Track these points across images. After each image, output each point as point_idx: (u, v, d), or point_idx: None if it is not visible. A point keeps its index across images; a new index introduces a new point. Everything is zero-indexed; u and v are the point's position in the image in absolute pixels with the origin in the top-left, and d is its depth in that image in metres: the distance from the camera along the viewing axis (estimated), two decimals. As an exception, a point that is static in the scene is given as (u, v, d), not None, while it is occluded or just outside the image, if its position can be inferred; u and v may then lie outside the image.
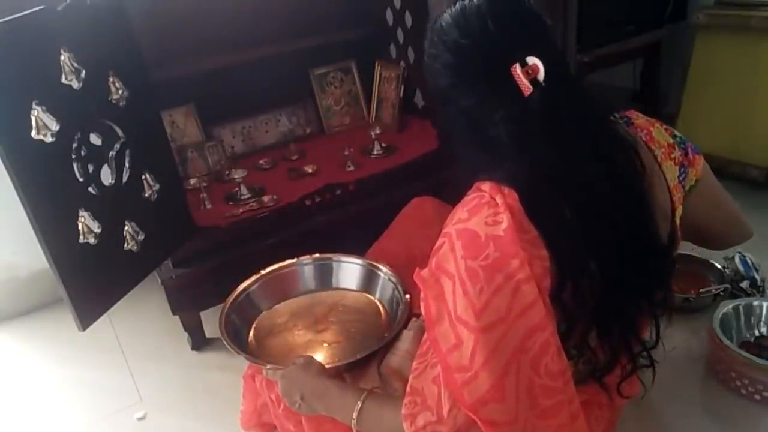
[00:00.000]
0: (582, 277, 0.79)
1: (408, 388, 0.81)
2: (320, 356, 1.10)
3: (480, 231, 0.75)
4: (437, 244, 0.80)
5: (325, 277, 1.30)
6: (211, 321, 1.69)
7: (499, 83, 0.77)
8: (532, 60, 0.76)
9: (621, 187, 0.82)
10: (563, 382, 0.78)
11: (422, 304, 0.79)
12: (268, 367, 1.02)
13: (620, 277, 0.83)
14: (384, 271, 1.23)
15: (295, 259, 1.30)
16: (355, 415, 0.88)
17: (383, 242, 1.38)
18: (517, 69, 0.76)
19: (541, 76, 0.76)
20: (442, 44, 0.81)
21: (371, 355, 1.03)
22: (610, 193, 0.81)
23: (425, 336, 0.82)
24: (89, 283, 1.17)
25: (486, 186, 0.79)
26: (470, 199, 0.80)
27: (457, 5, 0.82)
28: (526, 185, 0.78)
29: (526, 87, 0.76)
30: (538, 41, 0.79)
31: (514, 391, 0.74)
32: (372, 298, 1.24)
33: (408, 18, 2.07)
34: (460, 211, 0.80)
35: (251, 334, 1.19)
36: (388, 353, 1.04)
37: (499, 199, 0.77)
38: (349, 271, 1.29)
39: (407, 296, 1.14)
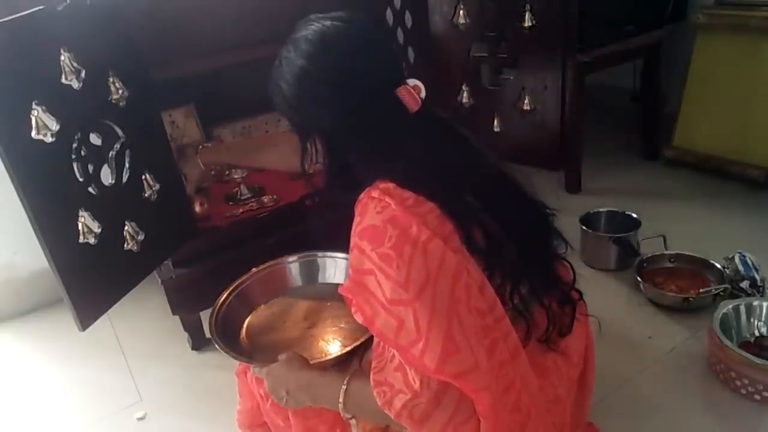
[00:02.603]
0: (472, 219, 0.86)
1: (372, 383, 0.85)
2: (311, 352, 1.10)
3: (375, 221, 0.83)
4: (350, 258, 0.87)
5: (312, 273, 1.31)
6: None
7: (383, 106, 0.87)
8: (413, 81, 0.90)
9: (473, 151, 0.94)
10: (494, 319, 0.83)
11: (356, 314, 0.83)
12: (253, 365, 1.04)
13: (510, 219, 0.91)
14: None
15: (281, 258, 1.31)
16: (341, 398, 0.91)
17: None
18: (403, 90, 0.87)
19: (423, 94, 0.90)
20: (319, 81, 0.89)
21: (355, 351, 1.04)
22: (471, 158, 0.93)
23: (376, 339, 0.86)
24: (89, 283, 1.17)
25: (361, 195, 0.87)
26: (356, 209, 0.88)
27: (319, 45, 0.89)
28: (405, 170, 0.86)
29: (415, 103, 0.87)
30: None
31: (464, 340, 0.79)
32: None
33: (408, 18, 2.07)
34: (355, 220, 0.87)
35: (242, 332, 1.19)
36: (369, 349, 1.05)
37: (374, 191, 0.85)
38: (336, 266, 1.30)
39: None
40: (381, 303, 0.80)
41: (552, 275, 0.97)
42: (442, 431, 0.81)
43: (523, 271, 0.90)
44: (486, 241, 0.86)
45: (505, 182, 0.95)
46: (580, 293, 1.02)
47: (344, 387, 0.91)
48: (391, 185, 0.85)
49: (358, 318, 0.83)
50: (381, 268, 0.80)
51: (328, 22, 0.90)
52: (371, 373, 0.86)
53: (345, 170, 0.93)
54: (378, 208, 0.83)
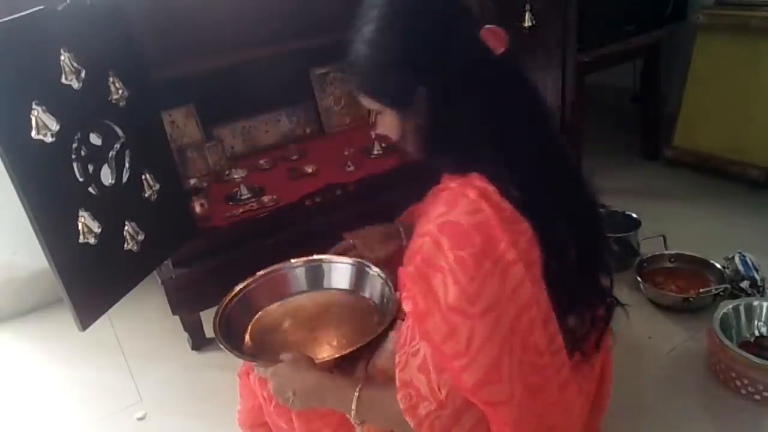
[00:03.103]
0: (564, 246, 0.84)
1: (398, 383, 0.83)
2: (315, 354, 1.10)
3: (463, 221, 0.78)
4: (417, 243, 0.82)
5: (317, 278, 1.31)
6: (211, 321, 1.69)
7: (472, 48, 0.83)
8: (491, 26, 0.84)
9: (566, 155, 0.94)
10: (550, 354, 0.81)
11: (406, 301, 0.81)
12: (258, 364, 1.03)
13: (585, 245, 0.89)
14: (374, 270, 1.24)
15: (286, 262, 1.31)
16: (353, 406, 0.89)
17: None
18: (485, 32, 0.83)
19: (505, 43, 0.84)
20: (397, 47, 0.85)
21: (359, 353, 1.04)
22: (566, 164, 0.92)
23: (402, 327, 0.84)
24: (89, 283, 1.17)
25: (452, 182, 0.83)
26: (442, 196, 0.83)
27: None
28: (504, 164, 0.82)
29: (501, 44, 0.83)
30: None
31: (507, 371, 0.77)
32: (364, 296, 1.25)
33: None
34: (437, 208, 0.82)
35: (247, 334, 1.19)
36: (375, 354, 1.05)
37: (470, 190, 0.80)
38: (340, 271, 1.29)
39: (398, 293, 1.15)
40: (439, 304, 0.77)
41: (602, 288, 0.95)
42: None
43: (583, 289, 0.89)
44: (560, 271, 0.84)
45: (577, 177, 0.95)
46: (620, 303, 1.00)
47: (356, 394, 0.89)
48: (490, 188, 0.80)
49: (407, 306, 0.81)
50: (453, 271, 0.76)
51: None
52: (396, 371, 0.83)
53: (437, 133, 0.87)
54: (470, 208, 0.79)
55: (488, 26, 0.84)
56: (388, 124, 0.92)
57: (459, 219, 0.78)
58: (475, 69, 0.84)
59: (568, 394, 0.85)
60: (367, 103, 0.92)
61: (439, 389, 0.78)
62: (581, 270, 0.88)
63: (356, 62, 0.89)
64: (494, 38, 0.84)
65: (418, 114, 0.86)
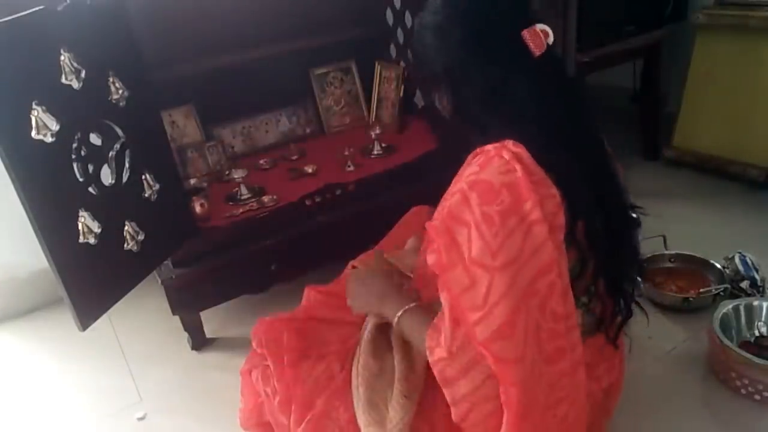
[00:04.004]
0: (591, 214, 0.86)
1: (435, 319, 0.86)
2: None
3: (494, 180, 0.80)
4: (448, 197, 0.85)
5: None
6: (211, 321, 1.70)
7: (513, 48, 0.86)
8: (540, 26, 0.86)
9: (598, 138, 1.00)
10: (566, 327, 0.82)
11: (431, 254, 0.82)
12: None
13: (616, 223, 0.94)
14: None
15: None
16: (399, 313, 0.95)
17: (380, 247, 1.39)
18: (529, 33, 0.85)
19: (551, 39, 0.87)
20: (453, 18, 0.88)
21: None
22: (597, 143, 0.98)
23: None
24: (89, 283, 1.17)
25: (488, 146, 0.85)
26: (477, 157, 0.85)
27: None
28: (538, 136, 0.84)
29: (540, 47, 0.85)
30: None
31: (523, 331, 0.78)
32: None
33: (408, 18, 2.07)
34: (470, 168, 0.84)
35: None
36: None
37: (506, 152, 0.82)
38: None
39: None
40: (462, 257, 0.79)
41: (629, 277, 0.99)
42: (462, 399, 0.82)
43: (611, 267, 0.92)
44: (586, 236, 0.86)
45: (610, 166, 0.98)
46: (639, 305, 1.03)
47: (406, 307, 0.94)
48: (524, 153, 0.82)
49: (430, 259, 0.82)
50: (479, 225, 0.78)
51: None
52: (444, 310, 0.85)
53: (470, 110, 0.91)
54: (503, 168, 0.81)
55: (531, 28, 0.86)
56: (444, 95, 0.95)
57: (490, 177, 0.80)
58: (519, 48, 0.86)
59: (579, 376, 0.86)
60: (426, 77, 0.95)
61: (453, 340, 0.81)
62: (609, 248, 0.91)
63: (416, 41, 0.94)
64: (534, 41, 0.86)
65: (471, 80, 0.89)
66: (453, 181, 0.87)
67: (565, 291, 0.82)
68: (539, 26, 0.86)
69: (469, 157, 0.88)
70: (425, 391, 0.96)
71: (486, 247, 0.77)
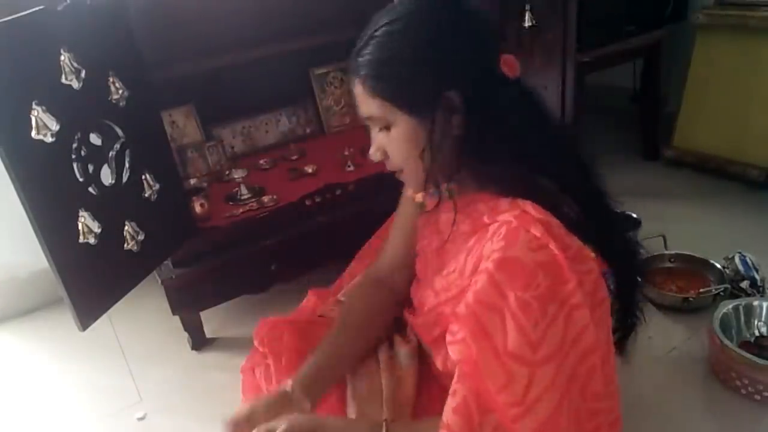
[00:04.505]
0: (622, 257, 0.84)
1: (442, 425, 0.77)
2: None
3: (525, 258, 0.71)
4: (462, 275, 0.78)
5: None
6: (211, 321, 1.70)
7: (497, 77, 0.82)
8: (507, 55, 0.83)
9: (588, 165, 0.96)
10: (607, 396, 0.78)
11: (454, 345, 0.75)
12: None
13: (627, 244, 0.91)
14: None
15: None
16: None
17: (375, 240, 1.39)
18: (504, 58, 0.82)
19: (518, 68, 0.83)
20: (445, 35, 0.81)
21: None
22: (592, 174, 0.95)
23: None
24: (89, 283, 1.17)
25: (504, 215, 0.77)
26: (496, 227, 0.77)
27: (427, 8, 0.82)
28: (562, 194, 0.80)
29: (514, 71, 0.82)
30: None
31: (565, 421, 0.73)
32: None
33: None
34: (492, 243, 0.75)
35: None
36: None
37: (533, 224, 0.73)
38: None
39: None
40: (496, 350, 0.71)
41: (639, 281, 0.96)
42: None
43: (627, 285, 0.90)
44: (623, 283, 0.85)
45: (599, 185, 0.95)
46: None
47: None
48: (552, 220, 0.74)
49: (453, 351, 0.74)
50: (515, 314, 0.70)
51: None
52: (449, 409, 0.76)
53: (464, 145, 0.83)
54: (533, 244, 0.72)
55: (506, 56, 0.82)
56: (402, 135, 0.84)
57: (521, 255, 0.71)
58: (499, 83, 0.82)
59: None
60: (380, 110, 0.84)
61: (481, 428, 0.73)
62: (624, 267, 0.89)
63: (378, 60, 0.82)
64: (509, 65, 0.82)
65: (450, 122, 0.81)
66: (459, 255, 0.80)
67: (604, 361, 0.77)
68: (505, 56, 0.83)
69: (474, 224, 0.81)
70: (417, 409, 0.93)
71: (524, 339, 0.70)
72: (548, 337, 0.71)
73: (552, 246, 0.72)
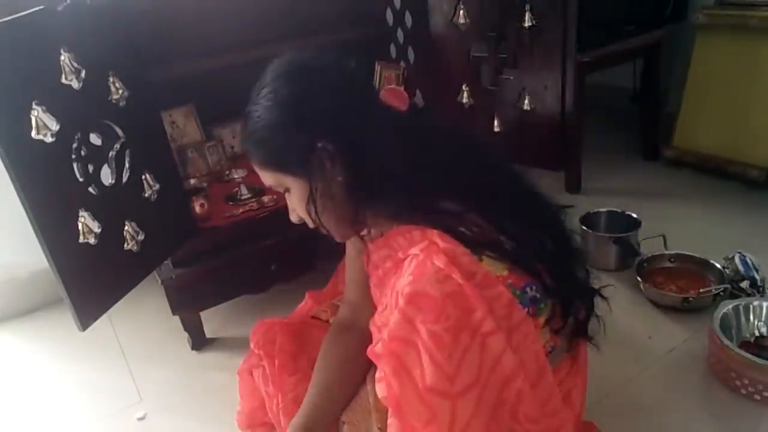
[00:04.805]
0: (545, 257, 0.84)
1: None
2: None
3: (432, 291, 0.71)
4: (382, 319, 0.77)
5: None
6: (211, 321, 1.70)
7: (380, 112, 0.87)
8: (390, 87, 0.89)
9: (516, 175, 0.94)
10: (547, 415, 0.78)
11: (379, 383, 0.75)
12: None
13: (558, 237, 0.90)
14: None
15: None
16: None
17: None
18: (385, 93, 0.87)
19: (414, 99, 0.91)
20: (314, 98, 0.86)
21: None
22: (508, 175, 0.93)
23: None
24: (89, 283, 1.17)
25: (412, 248, 0.78)
26: (408, 262, 0.77)
27: (297, 72, 0.90)
28: (456, 200, 0.82)
29: (403, 102, 0.86)
30: None
31: None
32: None
33: (408, 18, 2.07)
34: (402, 279, 0.76)
35: None
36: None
37: (437, 256, 0.74)
38: None
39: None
40: (416, 387, 0.71)
41: (584, 289, 0.95)
42: None
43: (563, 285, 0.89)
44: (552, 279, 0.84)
45: (533, 191, 0.93)
46: (603, 296, 1.00)
47: None
48: (457, 248, 0.75)
49: (380, 390, 0.74)
50: (429, 349, 0.70)
51: (286, 62, 0.92)
52: None
53: (359, 197, 0.86)
54: (440, 275, 0.72)
55: (388, 87, 0.86)
56: (299, 196, 0.89)
57: (429, 289, 0.71)
58: (373, 118, 0.84)
59: None
60: (274, 179, 0.90)
61: None
62: (561, 280, 0.87)
63: (254, 134, 0.89)
64: (395, 98, 0.85)
65: (332, 171, 0.85)
66: (382, 288, 0.81)
67: (534, 383, 0.76)
68: (388, 87, 0.87)
69: (389, 260, 0.82)
70: None
71: (441, 373, 0.69)
72: (464, 367, 0.71)
73: (455, 275, 0.72)
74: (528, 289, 0.83)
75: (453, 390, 0.70)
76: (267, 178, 0.92)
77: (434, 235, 0.78)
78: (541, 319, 0.85)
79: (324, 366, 1.03)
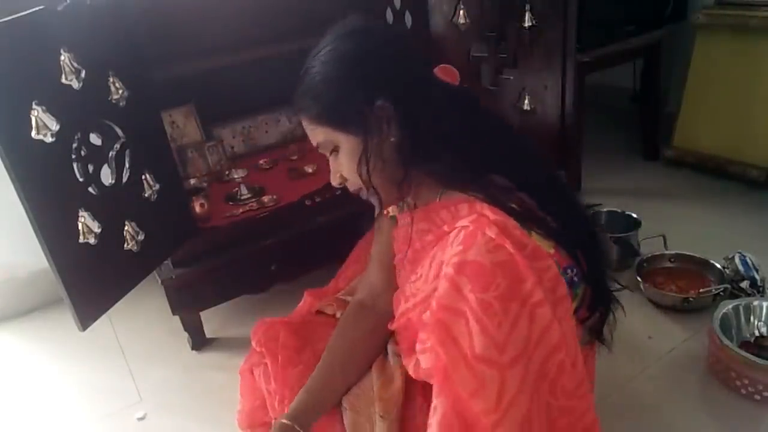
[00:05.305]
0: (584, 244, 0.86)
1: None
2: None
3: (483, 260, 0.72)
4: (427, 283, 0.78)
5: None
6: (211, 321, 1.70)
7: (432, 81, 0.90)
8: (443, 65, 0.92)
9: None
10: (578, 397, 0.78)
11: (424, 354, 0.75)
12: None
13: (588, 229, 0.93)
14: None
15: None
16: None
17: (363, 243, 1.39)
18: (439, 69, 0.90)
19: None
20: (377, 57, 0.88)
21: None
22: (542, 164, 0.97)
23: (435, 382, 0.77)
24: (89, 283, 1.17)
25: (461, 221, 0.78)
26: (455, 234, 0.78)
27: (360, 32, 0.90)
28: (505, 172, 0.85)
29: (455, 78, 0.89)
30: None
31: (537, 421, 0.73)
32: None
33: (408, 18, 2.07)
34: (451, 248, 0.76)
35: None
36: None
37: (489, 227, 0.75)
38: None
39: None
40: (464, 355, 0.71)
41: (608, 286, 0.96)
42: None
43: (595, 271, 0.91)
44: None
45: (559, 184, 0.96)
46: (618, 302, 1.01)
47: None
48: (508, 221, 0.75)
49: (425, 360, 0.74)
50: (478, 317, 0.70)
51: (349, 24, 0.92)
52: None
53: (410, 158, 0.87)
54: (490, 245, 0.72)
55: (441, 65, 0.88)
56: (349, 155, 0.89)
57: (479, 258, 0.72)
58: (430, 84, 0.87)
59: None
60: (324, 136, 0.90)
61: None
62: (594, 272, 0.89)
63: (311, 89, 0.89)
64: (448, 76, 0.88)
65: (387, 131, 0.86)
66: (424, 262, 0.81)
67: (574, 361, 0.77)
68: (441, 65, 0.89)
69: (432, 233, 0.83)
70: (405, 404, 0.93)
71: (490, 341, 0.70)
72: (513, 336, 0.71)
73: (507, 245, 0.73)
74: (569, 271, 0.85)
75: (502, 360, 0.71)
76: (318, 134, 0.91)
77: (484, 208, 0.79)
78: (573, 305, 0.86)
79: (335, 346, 1.03)
